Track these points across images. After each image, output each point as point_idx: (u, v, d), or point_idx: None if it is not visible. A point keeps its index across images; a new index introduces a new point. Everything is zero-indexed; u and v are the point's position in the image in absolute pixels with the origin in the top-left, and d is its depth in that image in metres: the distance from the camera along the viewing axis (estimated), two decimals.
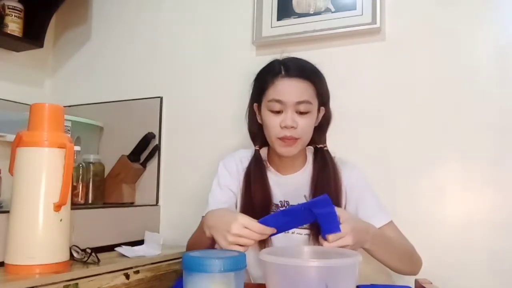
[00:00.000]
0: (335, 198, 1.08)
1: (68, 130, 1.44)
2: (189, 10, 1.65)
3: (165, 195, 1.61)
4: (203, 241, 1.01)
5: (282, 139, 1.06)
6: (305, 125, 1.06)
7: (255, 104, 1.15)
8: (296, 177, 1.14)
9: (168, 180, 1.61)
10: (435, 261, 1.16)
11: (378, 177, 1.25)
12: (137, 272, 1.12)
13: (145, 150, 1.60)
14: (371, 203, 1.11)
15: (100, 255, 1.11)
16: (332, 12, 1.39)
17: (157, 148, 1.60)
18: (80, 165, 1.44)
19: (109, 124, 1.69)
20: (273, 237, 1.07)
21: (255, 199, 1.10)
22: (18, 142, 0.99)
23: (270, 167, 1.16)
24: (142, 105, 1.65)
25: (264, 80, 1.09)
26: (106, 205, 1.51)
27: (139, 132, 1.59)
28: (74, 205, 1.27)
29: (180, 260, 0.80)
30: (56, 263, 0.98)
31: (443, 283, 1.03)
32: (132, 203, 1.60)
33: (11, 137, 1.13)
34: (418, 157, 1.26)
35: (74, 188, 1.39)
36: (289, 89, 1.05)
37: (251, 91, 1.17)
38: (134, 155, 1.58)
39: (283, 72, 1.07)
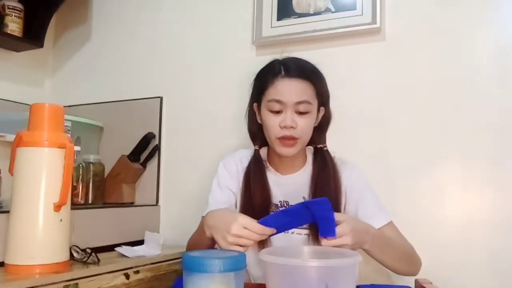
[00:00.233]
0: (335, 198, 1.08)
1: (68, 130, 1.44)
2: (189, 10, 1.65)
3: (165, 195, 1.61)
4: (203, 241, 1.01)
5: (281, 139, 1.06)
6: (305, 125, 1.06)
7: (255, 104, 1.15)
8: (296, 177, 1.14)
9: (168, 180, 1.61)
10: (435, 261, 1.16)
11: (378, 177, 1.25)
12: (137, 272, 1.12)
13: (145, 150, 1.60)
14: (371, 203, 1.11)
15: (100, 255, 1.11)
16: (332, 12, 1.39)
17: (157, 148, 1.60)
18: (80, 165, 1.44)
19: (109, 124, 1.69)
20: (273, 237, 1.06)
21: (255, 199, 1.10)
22: (18, 142, 0.99)
23: (270, 167, 1.16)
24: (142, 105, 1.65)
25: (264, 80, 1.09)
26: (106, 205, 1.51)
27: (139, 132, 1.59)
28: (74, 205, 1.27)
29: (180, 260, 0.80)
30: (56, 263, 0.98)
31: (443, 283, 1.03)
32: (132, 203, 1.60)
33: (11, 137, 1.13)
34: (418, 157, 1.26)
35: (74, 188, 1.39)
36: (289, 89, 1.05)
37: (251, 91, 1.17)
38: (134, 155, 1.58)
39: (283, 72, 1.07)
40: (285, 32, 1.44)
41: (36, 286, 0.88)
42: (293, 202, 1.11)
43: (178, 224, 1.54)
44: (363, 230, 0.94)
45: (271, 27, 1.46)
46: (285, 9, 1.45)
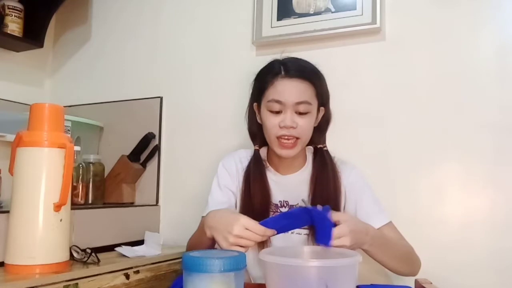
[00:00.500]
0: (334, 198, 1.08)
1: (68, 130, 1.44)
2: (189, 10, 1.65)
3: (165, 195, 1.61)
4: (203, 241, 1.01)
5: (280, 138, 1.06)
6: (305, 126, 1.06)
7: (254, 104, 1.15)
8: (295, 177, 1.14)
9: (168, 180, 1.61)
10: (435, 261, 1.16)
11: (378, 177, 1.25)
12: (137, 272, 1.12)
13: (145, 150, 1.60)
14: (370, 204, 1.11)
15: (100, 255, 1.11)
16: (332, 12, 1.39)
17: (157, 148, 1.60)
18: (80, 165, 1.44)
19: (109, 124, 1.69)
20: (273, 237, 1.06)
21: (255, 199, 1.10)
22: (18, 142, 0.99)
23: (270, 167, 1.16)
24: (142, 105, 1.65)
25: (263, 80, 1.09)
26: (106, 205, 1.51)
27: (139, 132, 1.59)
28: (74, 205, 1.27)
29: (180, 260, 0.80)
30: (56, 263, 0.98)
31: (443, 283, 1.03)
32: (132, 203, 1.60)
33: (11, 137, 1.13)
34: (418, 157, 1.26)
35: (74, 188, 1.39)
36: (288, 90, 1.05)
37: (251, 91, 1.17)
38: (134, 155, 1.58)
39: (282, 72, 1.07)
40: (285, 32, 1.44)
41: (36, 286, 0.88)
42: (293, 202, 1.11)
43: (178, 224, 1.54)
44: (362, 230, 0.94)
45: (271, 27, 1.46)
46: (285, 9, 1.45)
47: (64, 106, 1.08)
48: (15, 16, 1.61)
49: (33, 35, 1.66)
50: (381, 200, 1.13)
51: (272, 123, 1.06)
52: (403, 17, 1.32)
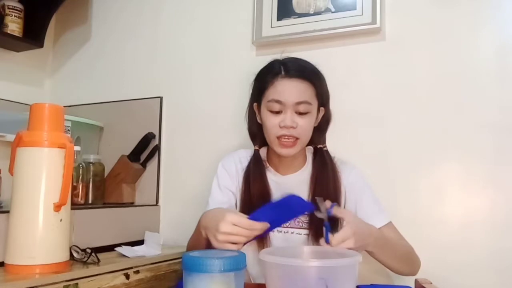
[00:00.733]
0: (334, 198, 1.08)
1: (68, 130, 1.44)
2: (189, 10, 1.65)
3: (165, 195, 1.61)
4: (200, 242, 1.01)
5: (280, 138, 1.06)
6: (305, 126, 1.06)
7: (255, 104, 1.15)
8: (295, 177, 1.14)
9: (168, 180, 1.61)
10: (435, 261, 1.16)
11: (378, 177, 1.25)
12: (137, 272, 1.12)
13: (145, 150, 1.60)
14: (370, 204, 1.11)
15: (100, 255, 1.11)
16: (332, 12, 1.39)
17: (157, 148, 1.60)
18: (80, 165, 1.44)
19: (109, 124, 1.69)
20: (272, 237, 1.07)
21: (255, 199, 1.10)
22: (18, 142, 0.99)
23: (270, 167, 1.16)
24: (142, 105, 1.65)
25: (264, 80, 1.09)
26: (106, 205, 1.51)
27: (139, 132, 1.59)
28: (74, 205, 1.27)
29: (180, 260, 0.80)
30: (56, 263, 0.98)
31: (443, 283, 1.03)
32: (132, 203, 1.60)
33: (11, 137, 1.13)
34: (418, 157, 1.26)
35: (74, 188, 1.39)
36: (288, 90, 1.05)
37: (251, 91, 1.17)
38: (134, 155, 1.58)
39: (283, 73, 1.07)
40: (285, 32, 1.44)
41: (36, 286, 0.88)
42: None
43: (178, 224, 1.54)
44: (365, 232, 0.94)
45: (271, 27, 1.46)
46: (285, 9, 1.45)
47: (64, 106, 1.08)
48: (15, 16, 1.61)
49: (33, 35, 1.66)
50: (381, 200, 1.13)
51: (272, 123, 1.06)
52: (403, 17, 1.32)
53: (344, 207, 1.11)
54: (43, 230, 0.96)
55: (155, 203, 1.60)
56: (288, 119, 1.04)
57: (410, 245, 1.09)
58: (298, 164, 1.15)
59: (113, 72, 1.77)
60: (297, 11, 1.44)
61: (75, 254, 1.09)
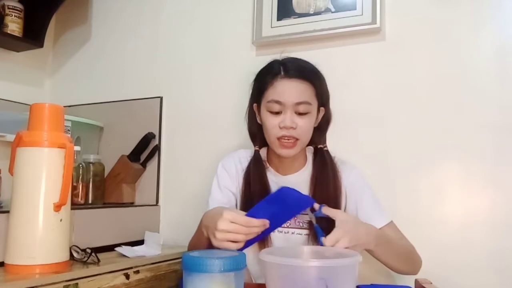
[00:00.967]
0: (335, 199, 1.08)
1: (68, 130, 1.44)
2: (189, 10, 1.65)
3: (165, 195, 1.61)
4: (202, 241, 1.01)
5: (281, 139, 1.06)
6: (305, 126, 1.06)
7: (254, 105, 1.15)
8: (295, 177, 1.14)
9: (168, 180, 1.61)
10: (435, 261, 1.16)
11: (378, 177, 1.25)
12: (137, 272, 1.12)
13: (145, 150, 1.60)
14: (371, 204, 1.11)
15: (100, 255, 1.11)
16: (332, 12, 1.39)
17: (157, 148, 1.60)
18: (80, 165, 1.44)
19: (109, 124, 1.69)
20: (273, 237, 1.07)
21: (255, 199, 1.09)
22: (18, 142, 0.99)
23: (270, 167, 1.16)
24: (142, 105, 1.65)
25: (263, 81, 1.09)
26: (106, 205, 1.51)
27: (139, 132, 1.59)
28: (74, 205, 1.27)
29: (180, 260, 0.80)
30: (56, 263, 0.98)
31: (443, 283, 1.03)
32: (132, 203, 1.60)
33: (11, 137, 1.13)
34: (418, 157, 1.26)
35: (74, 188, 1.39)
36: (288, 90, 1.05)
37: (250, 91, 1.17)
38: (134, 155, 1.58)
39: (282, 73, 1.06)
40: (285, 32, 1.44)
41: (36, 286, 0.88)
42: None
43: (178, 224, 1.54)
44: (361, 230, 0.94)
45: (271, 27, 1.46)
46: (285, 9, 1.45)
47: (64, 106, 1.08)
48: (15, 16, 1.61)
49: (33, 35, 1.66)
50: (381, 200, 1.13)
51: (272, 124, 1.06)
52: (403, 17, 1.32)
53: (345, 207, 1.11)
54: (43, 230, 0.96)
55: (155, 203, 1.60)
56: (288, 119, 1.04)
57: (411, 245, 1.09)
58: (299, 165, 1.15)
59: (113, 72, 1.77)
60: (297, 11, 1.44)
61: (75, 254, 1.09)
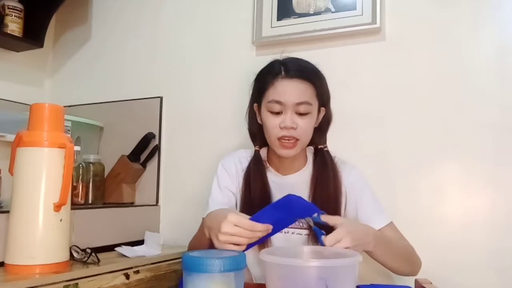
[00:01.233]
0: (335, 199, 1.08)
1: (68, 130, 1.44)
2: (189, 10, 1.65)
3: (165, 195, 1.61)
4: (203, 242, 1.01)
5: (281, 139, 1.06)
6: (305, 126, 1.06)
7: (255, 105, 1.15)
8: (296, 177, 1.14)
9: (168, 180, 1.61)
10: (435, 261, 1.16)
11: (378, 177, 1.25)
12: (137, 272, 1.12)
13: (145, 150, 1.60)
14: (371, 204, 1.11)
15: (100, 255, 1.11)
16: (332, 12, 1.39)
17: (157, 148, 1.60)
18: (80, 165, 1.44)
19: (109, 124, 1.69)
20: (273, 237, 1.07)
21: (255, 199, 1.09)
22: (18, 142, 0.99)
23: (270, 167, 1.16)
24: (142, 105, 1.65)
25: (264, 81, 1.09)
26: (106, 205, 1.51)
27: (139, 132, 1.59)
28: (74, 205, 1.27)
29: (180, 260, 0.80)
30: (56, 263, 0.98)
31: (443, 283, 1.03)
32: (132, 203, 1.60)
33: (11, 137, 1.13)
34: (418, 157, 1.26)
35: (74, 188, 1.39)
36: (289, 90, 1.05)
37: (251, 91, 1.16)
38: (134, 155, 1.58)
39: (283, 73, 1.06)
40: (285, 32, 1.44)
41: (36, 286, 0.88)
42: None
43: (178, 224, 1.54)
44: (362, 231, 0.94)
45: (271, 27, 1.46)
46: (285, 9, 1.45)
47: (64, 106, 1.08)
48: (15, 16, 1.61)
49: (33, 35, 1.66)
50: (381, 200, 1.13)
51: (272, 124, 1.06)
52: (403, 17, 1.32)
53: (345, 207, 1.11)
54: (43, 230, 0.96)
55: (155, 203, 1.60)
56: (288, 120, 1.04)
57: (411, 245, 1.09)
58: (299, 165, 1.15)
59: (113, 72, 1.77)
60: (297, 11, 1.44)
61: (75, 254, 1.09)
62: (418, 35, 1.30)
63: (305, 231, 1.08)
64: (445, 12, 1.27)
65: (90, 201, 1.46)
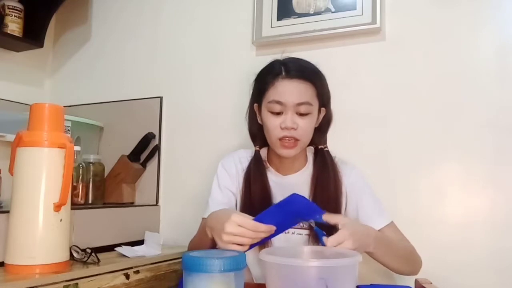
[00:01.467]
0: (335, 199, 1.08)
1: (68, 130, 1.44)
2: (189, 10, 1.65)
3: (165, 195, 1.61)
4: (204, 242, 1.01)
5: (282, 139, 1.05)
6: (305, 127, 1.06)
7: (255, 105, 1.15)
8: (296, 177, 1.14)
9: (168, 180, 1.61)
10: (435, 261, 1.16)
11: (378, 177, 1.25)
12: (137, 272, 1.12)
13: (145, 150, 1.60)
14: (371, 204, 1.11)
15: (100, 255, 1.11)
16: (332, 12, 1.39)
17: (157, 148, 1.60)
18: (80, 165, 1.44)
19: (109, 124, 1.69)
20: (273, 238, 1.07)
21: (255, 199, 1.09)
22: (18, 142, 0.99)
23: (270, 167, 1.16)
24: (142, 105, 1.65)
25: (264, 81, 1.09)
26: (106, 205, 1.51)
27: (139, 132, 1.59)
28: (74, 205, 1.27)
29: (180, 260, 0.80)
30: (56, 263, 0.98)
31: (443, 283, 1.03)
32: (132, 203, 1.60)
33: (11, 137, 1.13)
34: (418, 157, 1.26)
35: (74, 188, 1.39)
36: (289, 90, 1.04)
37: (251, 91, 1.16)
38: (134, 155, 1.58)
39: (283, 73, 1.06)
40: (285, 32, 1.44)
41: (36, 286, 0.88)
42: None
43: (178, 224, 1.54)
44: (363, 232, 0.94)
45: (271, 27, 1.46)
46: (285, 9, 1.45)
47: (64, 106, 1.08)
48: (15, 16, 1.61)
49: (33, 35, 1.66)
50: (381, 200, 1.13)
51: (273, 124, 1.06)
52: (403, 17, 1.32)
53: (345, 208, 1.11)
54: (43, 230, 0.96)
55: (155, 203, 1.60)
56: (289, 120, 1.04)
57: (411, 245, 1.09)
58: (299, 165, 1.15)
59: (113, 72, 1.77)
60: (297, 11, 1.44)
61: (75, 254, 1.09)
62: (418, 35, 1.30)
63: (306, 231, 1.08)
64: (445, 12, 1.27)
65: (90, 201, 1.46)
